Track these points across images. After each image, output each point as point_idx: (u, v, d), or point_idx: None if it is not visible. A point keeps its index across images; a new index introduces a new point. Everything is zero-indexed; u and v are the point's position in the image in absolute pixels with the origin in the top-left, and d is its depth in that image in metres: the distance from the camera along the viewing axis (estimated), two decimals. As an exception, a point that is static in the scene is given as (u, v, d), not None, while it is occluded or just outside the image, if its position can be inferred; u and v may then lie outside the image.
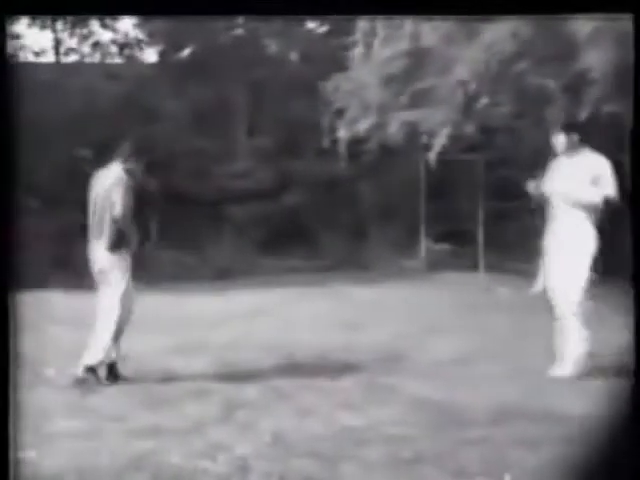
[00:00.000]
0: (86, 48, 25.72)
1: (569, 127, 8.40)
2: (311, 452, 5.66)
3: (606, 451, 3.09)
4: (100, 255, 8.07)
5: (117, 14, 21.55)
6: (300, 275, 19.34)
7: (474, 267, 18.39)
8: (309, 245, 22.45)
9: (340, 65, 16.42)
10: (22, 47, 24.38)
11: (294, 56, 26.86)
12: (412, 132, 15.55)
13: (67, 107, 22.17)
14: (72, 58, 25.70)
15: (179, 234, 21.35)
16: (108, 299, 8.03)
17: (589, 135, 8.51)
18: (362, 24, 15.34)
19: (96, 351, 7.94)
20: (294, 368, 8.65)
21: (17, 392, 7.01)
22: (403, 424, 6.33)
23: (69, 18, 24.11)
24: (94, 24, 25.07)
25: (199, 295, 15.45)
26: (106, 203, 7.98)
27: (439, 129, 14.72)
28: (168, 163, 22.22)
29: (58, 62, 25.06)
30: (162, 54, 26.34)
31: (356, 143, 16.56)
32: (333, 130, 16.37)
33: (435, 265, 19.30)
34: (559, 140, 8.33)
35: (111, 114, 21.95)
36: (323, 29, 26.08)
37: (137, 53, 26.43)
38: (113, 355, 8.11)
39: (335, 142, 16.48)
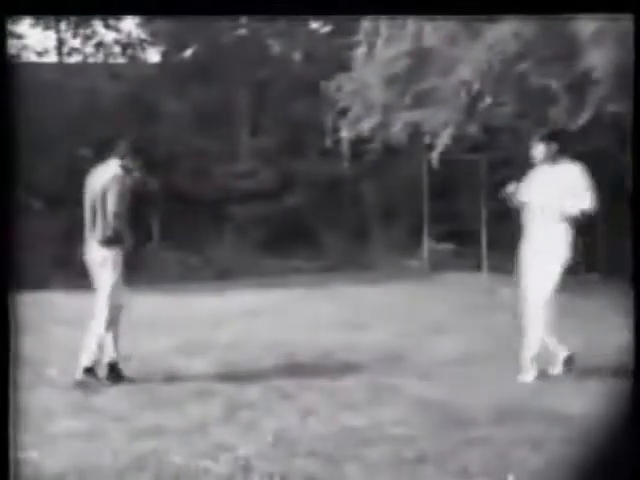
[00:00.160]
0: (89, 48, 25.72)
1: (548, 137, 8.40)
2: (313, 452, 5.66)
3: (606, 451, 3.09)
4: (92, 250, 8.09)
5: (120, 14, 21.55)
6: (302, 275, 19.35)
7: (477, 267, 18.39)
8: (311, 245, 22.44)
9: (343, 65, 16.41)
10: (25, 47, 24.38)
11: (297, 56, 26.86)
12: (415, 132, 15.54)
13: (70, 107, 22.19)
14: (75, 58, 25.71)
15: (181, 234, 21.38)
16: (98, 297, 8.07)
17: (568, 145, 8.51)
18: (365, 24, 15.33)
19: (89, 351, 7.95)
20: (296, 368, 8.65)
21: (19, 393, 7.01)
22: (405, 424, 6.33)
23: (72, 18, 24.12)
24: (97, 24, 25.07)
25: (201, 295, 15.45)
26: (101, 200, 7.97)
27: (442, 129, 14.71)
28: (170, 163, 22.27)
29: (61, 62, 25.07)
30: (165, 54, 26.35)
31: (359, 143, 16.56)
32: (336, 130, 16.36)
33: (438, 265, 19.30)
34: (538, 150, 8.35)
35: (114, 114, 21.96)
36: (326, 29, 26.06)
37: (140, 53, 26.43)
38: (114, 355, 8.11)
39: (338, 142, 16.47)
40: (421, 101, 15.08)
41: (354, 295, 15.67)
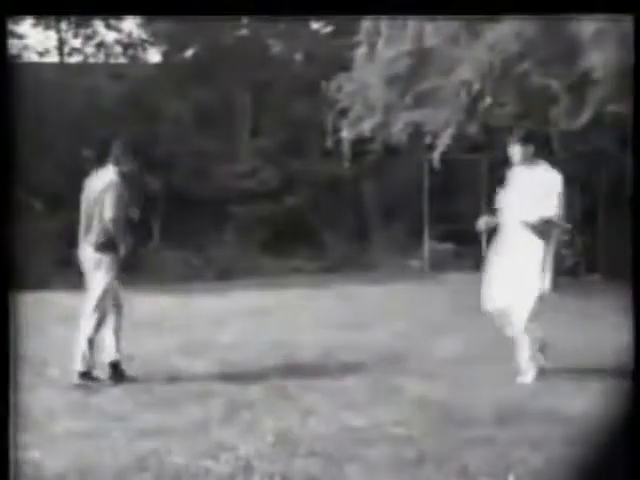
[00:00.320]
0: (90, 48, 25.73)
1: (525, 138, 8.32)
2: (314, 452, 5.66)
3: (606, 451, 3.09)
4: (86, 255, 8.10)
5: (121, 14, 21.58)
6: (303, 275, 19.35)
7: (477, 267, 18.35)
8: (312, 245, 22.44)
9: (344, 65, 16.42)
10: (26, 47, 24.39)
11: (298, 56, 26.86)
12: (416, 132, 15.54)
13: (71, 107, 22.19)
14: (76, 58, 25.72)
15: (182, 234, 21.39)
16: (89, 300, 8.09)
17: (545, 147, 8.45)
18: (366, 24, 15.34)
19: (81, 355, 7.96)
20: (297, 368, 8.66)
21: (21, 393, 7.03)
22: (405, 424, 6.34)
23: (73, 18, 24.13)
24: (98, 24, 25.07)
25: (202, 295, 15.46)
26: (97, 205, 7.98)
27: (442, 129, 14.72)
28: (171, 163, 22.27)
29: (62, 62, 25.08)
30: (166, 54, 26.35)
31: (360, 143, 16.56)
32: (336, 130, 16.36)
33: (438, 265, 19.31)
34: (515, 151, 8.27)
35: (114, 114, 21.96)
36: (327, 29, 26.06)
37: (141, 53, 26.44)
38: (117, 354, 8.13)
39: (339, 142, 16.47)
40: (422, 101, 15.09)
41: (355, 295, 15.67)
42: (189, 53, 26.25)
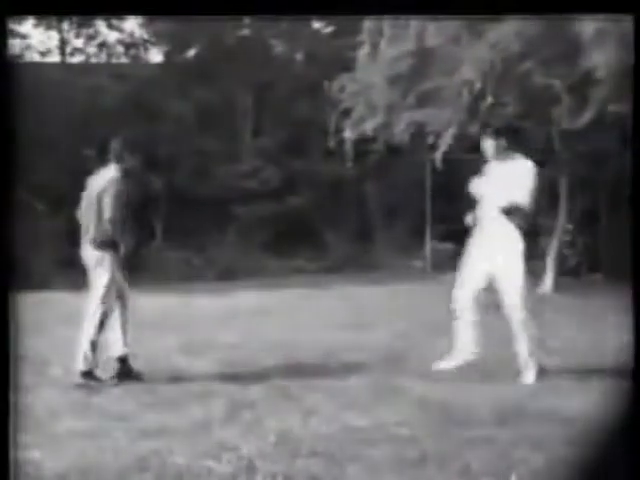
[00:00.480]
0: (92, 48, 25.76)
1: (497, 132, 8.29)
2: (316, 452, 5.66)
3: (608, 451, 3.09)
4: (87, 253, 8.10)
5: (123, 14, 21.59)
6: (305, 275, 19.37)
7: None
8: (314, 245, 22.46)
9: (346, 65, 16.43)
10: (28, 47, 24.41)
11: (300, 56, 26.88)
12: (418, 132, 15.55)
13: (73, 107, 22.21)
14: (78, 58, 25.75)
15: (184, 234, 21.41)
16: (91, 298, 8.09)
17: (517, 140, 8.40)
18: (368, 24, 15.34)
19: (83, 354, 7.95)
20: (299, 368, 8.65)
21: (23, 392, 7.04)
22: (408, 424, 6.33)
23: (75, 18, 24.15)
24: (100, 24, 25.10)
25: (204, 295, 15.47)
26: (96, 204, 7.96)
27: (445, 129, 14.73)
28: (173, 163, 22.29)
29: (64, 62, 25.11)
30: (168, 54, 26.39)
31: (362, 143, 16.57)
32: (339, 130, 16.37)
33: (440, 265, 19.30)
34: (487, 145, 8.25)
35: (116, 114, 21.98)
36: (329, 29, 26.08)
37: (143, 53, 26.48)
38: (124, 349, 8.12)
39: (341, 142, 16.48)
40: (424, 101, 15.10)
41: (357, 295, 15.68)
42: (191, 53, 26.30)
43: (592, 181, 18.38)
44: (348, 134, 16.23)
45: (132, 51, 26.21)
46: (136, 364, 8.23)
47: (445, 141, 14.63)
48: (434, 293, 14.90)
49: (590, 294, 15.40)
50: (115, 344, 8.14)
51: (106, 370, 8.06)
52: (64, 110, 21.88)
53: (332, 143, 16.53)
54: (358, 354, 9.37)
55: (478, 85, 13.81)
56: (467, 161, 18.96)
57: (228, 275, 19.67)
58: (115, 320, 8.11)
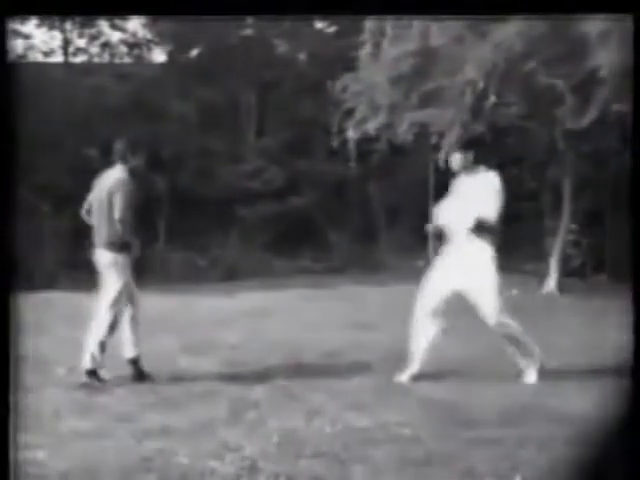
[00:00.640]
0: (95, 48, 25.76)
1: (465, 145, 8.20)
2: (319, 452, 5.65)
3: (611, 451, 3.08)
4: (99, 255, 8.07)
5: (126, 14, 21.60)
6: (308, 276, 19.35)
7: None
8: (318, 246, 22.46)
9: (348, 65, 16.43)
10: (31, 47, 24.42)
11: (303, 56, 26.88)
12: (421, 132, 15.55)
13: (76, 107, 22.21)
14: (81, 58, 25.76)
15: (187, 235, 21.40)
16: (103, 301, 8.07)
17: (484, 153, 8.31)
18: (370, 24, 15.33)
19: (90, 354, 7.94)
20: (303, 368, 8.65)
21: (26, 392, 7.03)
22: (411, 425, 6.32)
23: (78, 18, 24.16)
24: (103, 24, 25.11)
25: (207, 296, 15.47)
26: (107, 205, 7.94)
27: (448, 129, 14.71)
28: (176, 163, 22.28)
29: (67, 62, 25.11)
30: (171, 54, 26.39)
31: (365, 143, 16.56)
32: (342, 130, 16.37)
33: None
34: (455, 158, 8.14)
35: (119, 114, 21.99)
36: (332, 29, 26.07)
37: (146, 53, 26.48)
38: (136, 350, 8.12)
39: (344, 142, 16.48)
40: (427, 101, 15.10)
41: (360, 295, 15.67)
42: (194, 53, 26.30)
43: (596, 181, 18.37)
44: (351, 134, 16.23)
45: (135, 51, 26.22)
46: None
47: (448, 141, 14.61)
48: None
49: (594, 295, 15.39)
50: (127, 346, 8.14)
51: (110, 371, 8.05)
52: (67, 110, 21.89)
53: (335, 143, 16.53)
54: (362, 354, 9.37)
55: (481, 85, 13.80)
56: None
57: (231, 275, 19.67)
58: (126, 322, 8.11)
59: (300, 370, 8.55)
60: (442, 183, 20.39)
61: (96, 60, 25.97)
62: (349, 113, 16.32)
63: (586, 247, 19.22)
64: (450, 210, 8.06)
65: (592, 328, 11.14)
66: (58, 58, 25.15)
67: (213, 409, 6.88)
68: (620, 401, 3.61)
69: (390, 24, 15.01)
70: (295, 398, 7.31)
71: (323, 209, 23.67)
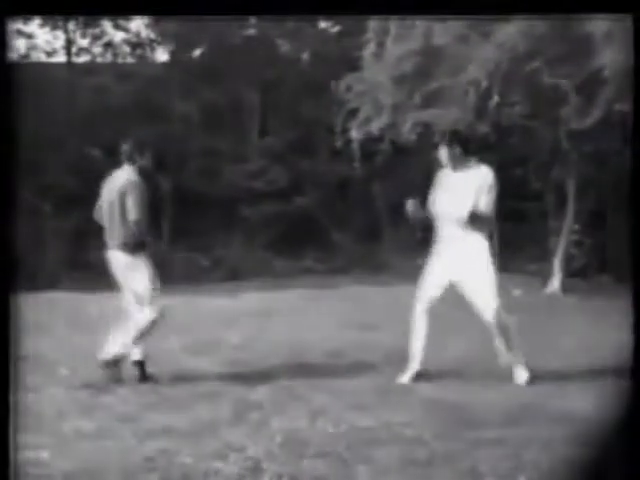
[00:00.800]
0: (98, 48, 25.78)
1: (451, 140, 8.14)
2: (322, 453, 5.64)
3: (613, 452, 3.08)
4: (116, 258, 8.04)
5: (129, 14, 21.60)
6: (312, 276, 19.34)
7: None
8: (321, 246, 22.46)
9: (352, 65, 16.42)
10: (34, 47, 24.44)
11: (306, 56, 26.88)
12: (425, 132, 15.53)
13: (79, 107, 22.23)
14: (84, 58, 25.78)
15: (191, 235, 21.40)
16: (129, 303, 8.08)
17: (472, 147, 8.25)
18: (374, 24, 15.33)
19: (115, 349, 7.93)
20: (306, 369, 8.64)
21: (29, 393, 7.03)
22: (415, 425, 6.31)
23: (81, 18, 24.19)
24: (106, 24, 25.13)
25: (211, 296, 15.46)
26: (119, 206, 7.91)
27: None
28: (180, 163, 22.30)
29: (70, 62, 25.13)
30: (174, 54, 26.39)
31: (369, 143, 16.55)
32: (346, 130, 16.36)
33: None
34: (442, 153, 8.06)
35: (123, 114, 22.00)
36: (335, 29, 26.07)
37: (149, 53, 26.50)
38: (142, 352, 8.12)
39: (348, 142, 16.47)
40: (431, 101, 15.09)
41: (363, 296, 15.66)
42: (197, 53, 26.31)
43: (600, 181, 18.35)
44: (355, 134, 16.22)
45: (138, 51, 26.24)
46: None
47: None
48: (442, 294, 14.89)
49: (598, 295, 15.37)
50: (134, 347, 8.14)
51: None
52: (70, 110, 21.90)
53: (339, 143, 16.53)
54: (365, 354, 9.36)
55: (485, 85, 13.79)
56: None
57: (234, 275, 19.68)
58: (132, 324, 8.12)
59: (303, 370, 8.54)
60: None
61: (99, 60, 25.99)
62: (353, 113, 16.31)
63: (590, 247, 19.20)
64: (442, 203, 8.02)
65: (596, 328, 11.12)
66: (61, 58, 25.18)
67: (216, 409, 6.87)
68: (623, 402, 3.60)
69: (393, 24, 15.00)
70: (298, 398, 7.30)
71: (326, 209, 23.67)
